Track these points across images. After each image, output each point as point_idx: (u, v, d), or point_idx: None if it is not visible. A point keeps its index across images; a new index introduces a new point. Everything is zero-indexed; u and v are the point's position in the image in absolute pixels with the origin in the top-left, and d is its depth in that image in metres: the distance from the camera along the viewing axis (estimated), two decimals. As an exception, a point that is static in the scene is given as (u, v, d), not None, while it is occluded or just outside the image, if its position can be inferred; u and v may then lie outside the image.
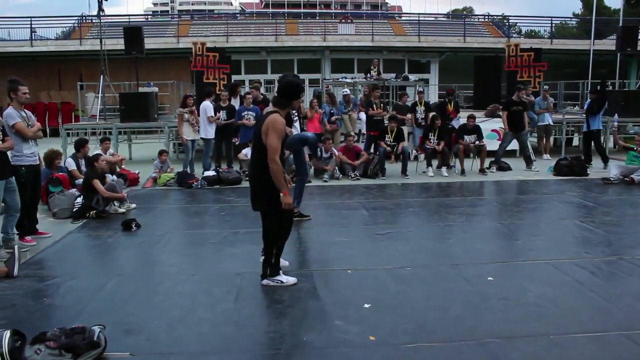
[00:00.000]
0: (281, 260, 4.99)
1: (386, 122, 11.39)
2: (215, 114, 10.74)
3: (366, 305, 4.33)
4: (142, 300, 4.55)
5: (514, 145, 12.53)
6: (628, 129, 14.94)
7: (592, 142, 11.99)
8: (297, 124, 6.13)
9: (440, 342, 3.74)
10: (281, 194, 4.56)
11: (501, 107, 12.04)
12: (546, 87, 13.77)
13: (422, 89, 14.11)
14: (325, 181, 10.30)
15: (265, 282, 4.81)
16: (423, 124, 12.18)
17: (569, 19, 39.68)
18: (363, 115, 12.50)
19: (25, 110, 6.32)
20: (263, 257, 4.88)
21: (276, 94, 4.93)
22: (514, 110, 11.56)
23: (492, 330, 3.89)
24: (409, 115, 12.67)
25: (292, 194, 6.00)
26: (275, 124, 4.53)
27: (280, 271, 4.88)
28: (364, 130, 12.71)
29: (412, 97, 14.84)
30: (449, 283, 4.89)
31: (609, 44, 22.49)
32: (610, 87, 16.98)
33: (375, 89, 12.32)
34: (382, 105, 12.09)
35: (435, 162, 11.33)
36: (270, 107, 4.86)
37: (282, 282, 4.79)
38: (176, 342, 3.78)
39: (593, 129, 11.84)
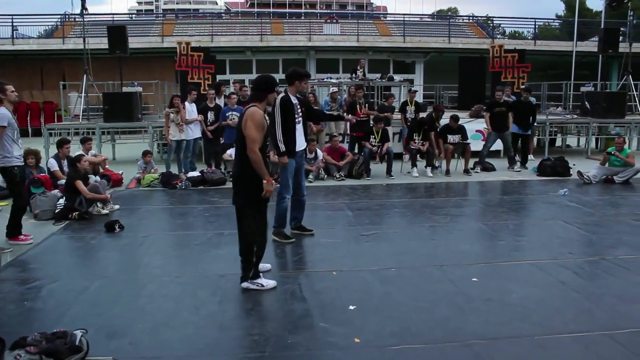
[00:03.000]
0: (262, 264, 4.96)
1: (372, 123, 11.38)
2: (201, 115, 10.75)
3: (351, 307, 4.33)
4: (126, 303, 4.50)
5: (498, 145, 12.59)
6: (610, 129, 15.13)
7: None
8: (300, 126, 6.02)
9: (425, 343, 3.75)
10: (264, 181, 4.58)
11: (485, 107, 12.10)
12: (524, 86, 13.83)
13: (415, 89, 14.08)
14: (310, 182, 10.27)
15: (245, 284, 4.76)
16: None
17: (552, 21, 40.07)
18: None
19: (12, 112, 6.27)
20: (241, 259, 4.83)
21: (251, 91, 4.98)
22: (497, 112, 11.62)
23: (477, 332, 3.90)
24: (393, 117, 12.70)
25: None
26: (254, 115, 4.57)
27: (261, 274, 4.84)
28: (348, 131, 12.67)
29: (398, 98, 14.87)
30: (434, 284, 4.90)
31: (591, 45, 22.75)
32: (592, 88, 17.18)
33: (359, 89, 12.28)
34: (366, 105, 12.02)
35: (421, 163, 11.34)
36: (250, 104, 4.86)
37: (262, 285, 4.75)
38: (160, 345, 3.75)
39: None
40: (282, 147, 6.00)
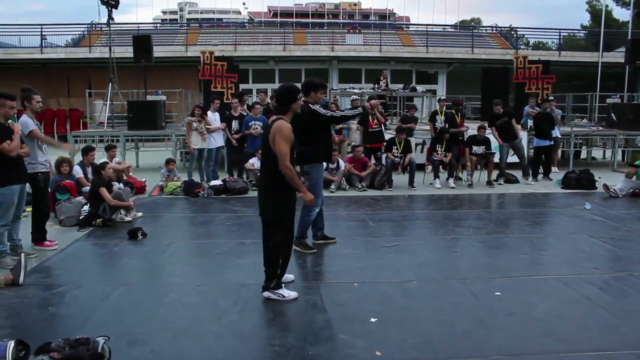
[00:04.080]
0: (285, 274, 4.96)
1: (391, 134, 11.35)
2: (224, 123, 10.85)
3: (372, 319, 4.30)
4: (147, 311, 4.52)
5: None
6: (637, 142, 14.88)
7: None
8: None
9: (446, 357, 3.70)
10: (301, 194, 4.68)
11: (487, 124, 12.03)
12: (551, 98, 13.73)
13: (444, 98, 13.99)
14: (332, 192, 10.27)
15: (266, 294, 4.77)
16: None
17: (577, 31, 39.65)
18: None
19: (34, 120, 6.40)
20: (265, 269, 4.83)
21: (275, 104, 4.98)
22: (500, 124, 11.70)
23: (500, 347, 3.84)
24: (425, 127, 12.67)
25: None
26: (282, 130, 4.54)
27: (283, 285, 4.84)
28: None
29: (421, 109, 14.81)
30: (456, 297, 4.84)
31: (617, 56, 22.48)
32: (619, 100, 16.93)
33: (378, 98, 12.17)
34: (381, 116, 11.79)
35: (443, 175, 11.27)
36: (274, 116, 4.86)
37: (283, 296, 4.74)
38: (181, 354, 3.75)
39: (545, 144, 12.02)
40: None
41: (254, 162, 10.21)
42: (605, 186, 10.14)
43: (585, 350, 3.80)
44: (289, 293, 4.78)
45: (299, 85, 5.29)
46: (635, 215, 8.54)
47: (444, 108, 12.73)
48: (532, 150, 13.09)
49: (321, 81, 6.42)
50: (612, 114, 14.92)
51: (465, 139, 11.76)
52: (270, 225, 4.78)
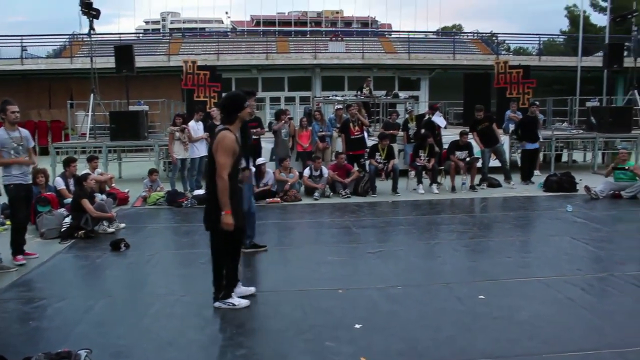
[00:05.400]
0: (245, 287, 4.98)
1: (374, 140, 11.39)
2: (207, 133, 10.79)
3: (357, 326, 4.29)
4: (131, 323, 4.48)
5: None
6: (616, 144, 15.07)
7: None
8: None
9: (432, 362, 3.71)
10: (222, 213, 4.45)
11: (469, 128, 12.14)
12: (537, 103, 13.90)
13: (411, 108, 14.18)
14: (316, 199, 10.27)
15: (217, 304, 4.73)
16: (413, 141, 12.29)
17: (557, 37, 40.13)
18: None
19: (21, 130, 6.29)
20: (212, 280, 4.81)
21: (221, 112, 4.96)
22: (481, 129, 11.83)
23: (485, 350, 3.85)
24: (400, 133, 12.76)
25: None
26: (224, 141, 4.48)
27: (233, 294, 4.79)
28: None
29: (404, 115, 14.90)
30: (440, 302, 4.86)
31: (596, 60, 22.79)
32: (598, 103, 17.16)
33: (350, 107, 12.26)
34: (360, 124, 11.69)
35: (426, 180, 11.32)
36: (221, 125, 4.80)
37: (234, 304, 4.71)
38: (165, 365, 3.72)
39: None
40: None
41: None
42: (587, 188, 10.26)
43: (569, 351, 3.83)
44: (239, 301, 4.75)
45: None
46: (616, 217, 8.66)
47: (414, 116, 13.03)
48: (515, 155, 13.25)
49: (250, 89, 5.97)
50: (592, 118, 15.10)
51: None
52: (212, 235, 4.74)
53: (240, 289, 4.99)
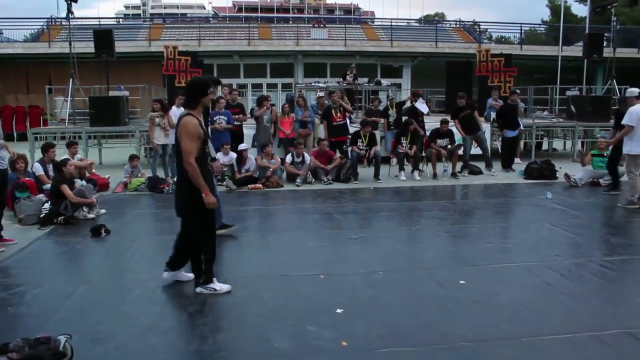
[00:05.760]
0: (185, 273, 4.99)
1: (356, 127, 11.40)
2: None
3: (339, 311, 4.31)
4: (111, 308, 4.44)
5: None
6: (595, 133, 15.25)
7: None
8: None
9: (413, 346, 3.73)
10: (203, 195, 4.46)
11: (450, 116, 12.21)
12: (517, 91, 14.00)
13: (393, 95, 14.19)
14: (298, 186, 10.27)
15: (198, 289, 4.73)
16: (393, 127, 12.31)
17: (538, 26, 40.39)
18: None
19: None
20: (191, 267, 4.83)
21: (185, 97, 4.93)
22: (463, 116, 11.90)
23: (465, 334, 3.89)
24: (382, 120, 12.76)
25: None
26: (187, 127, 4.45)
27: (214, 278, 4.79)
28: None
29: (385, 102, 14.89)
30: (421, 287, 4.89)
31: (576, 50, 22.95)
32: (578, 93, 17.33)
33: (333, 93, 12.29)
34: (342, 110, 11.82)
35: (408, 167, 11.36)
36: (184, 111, 4.74)
37: (215, 289, 4.71)
38: (146, 350, 3.70)
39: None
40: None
41: (219, 157, 10.11)
42: (567, 175, 10.39)
43: (548, 334, 3.89)
44: (221, 286, 4.75)
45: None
46: (594, 204, 8.78)
47: (394, 104, 13.02)
48: (496, 142, 13.34)
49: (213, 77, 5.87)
50: (572, 106, 15.27)
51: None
52: (185, 221, 4.76)
53: (181, 273, 5.01)
